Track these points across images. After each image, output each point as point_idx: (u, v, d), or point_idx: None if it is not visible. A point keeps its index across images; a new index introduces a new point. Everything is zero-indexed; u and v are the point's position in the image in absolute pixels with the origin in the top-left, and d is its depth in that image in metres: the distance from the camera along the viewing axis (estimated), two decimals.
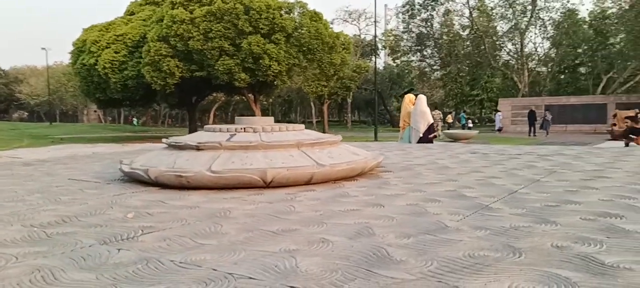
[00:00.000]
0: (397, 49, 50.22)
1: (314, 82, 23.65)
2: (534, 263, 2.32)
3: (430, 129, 10.33)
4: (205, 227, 3.22)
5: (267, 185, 4.68)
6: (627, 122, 13.58)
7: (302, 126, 5.98)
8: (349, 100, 45.60)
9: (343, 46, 23.62)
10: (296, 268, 2.34)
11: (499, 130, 31.97)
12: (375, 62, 28.02)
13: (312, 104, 46.47)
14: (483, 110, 54.87)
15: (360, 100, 55.03)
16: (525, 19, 42.97)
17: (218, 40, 20.41)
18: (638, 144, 10.56)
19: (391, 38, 51.65)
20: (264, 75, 20.85)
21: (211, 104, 49.82)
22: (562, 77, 47.41)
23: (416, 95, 10.90)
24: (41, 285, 2.18)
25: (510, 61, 47.02)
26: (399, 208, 3.69)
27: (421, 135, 9.84)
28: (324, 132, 32.20)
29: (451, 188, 4.53)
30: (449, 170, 5.94)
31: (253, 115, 27.43)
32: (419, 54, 47.07)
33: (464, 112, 46.44)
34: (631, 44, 29.71)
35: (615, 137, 12.21)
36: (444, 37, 46.37)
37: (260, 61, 20.23)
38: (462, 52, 45.34)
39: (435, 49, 46.69)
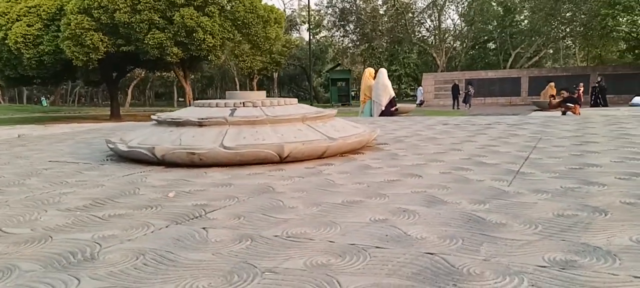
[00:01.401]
0: (319, 25, 50.40)
1: (249, 57, 23.16)
2: (626, 219, 2.49)
3: (392, 102, 10.56)
4: (264, 203, 3.12)
5: (282, 160, 4.59)
6: (562, 94, 14.69)
7: (295, 99, 5.89)
8: (276, 76, 45.20)
9: (275, 20, 23.31)
10: (408, 235, 2.35)
11: (420, 104, 33.15)
12: (310, 37, 27.89)
13: (236, 80, 45.57)
14: (401, 85, 56.73)
15: (284, 77, 54.82)
16: None
17: (147, 13, 19.36)
18: (575, 112, 11.46)
19: (314, 13, 51.64)
20: (198, 50, 20.13)
21: (129, 81, 47.34)
22: (473, 52, 50.01)
23: (377, 70, 11.09)
24: (166, 267, 2.03)
25: (430, 38, 48.93)
26: (438, 177, 3.78)
27: (383, 108, 10.03)
28: None
29: (465, 157, 4.71)
30: (440, 140, 6.14)
31: (184, 92, 26.47)
32: (342, 29, 47.59)
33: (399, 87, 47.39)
34: (542, 21, 31.89)
35: (552, 107, 13.22)
36: (363, 12, 47.10)
37: (194, 35, 19.47)
38: (380, 28, 46.29)
39: (358, 25, 47.31)
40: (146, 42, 19.49)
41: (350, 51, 51.99)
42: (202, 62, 22.66)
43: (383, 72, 10.97)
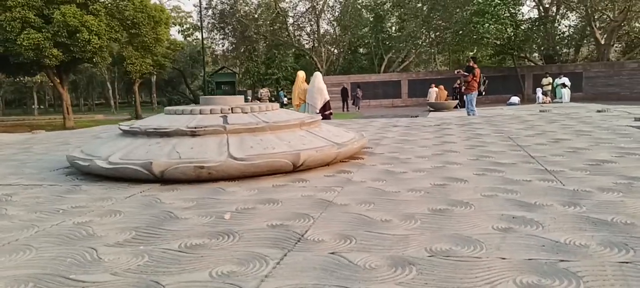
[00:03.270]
0: (185, 25, 48.77)
1: (138, 60, 21.40)
2: None
3: (326, 105, 10.43)
4: (348, 218, 2.82)
5: (296, 168, 4.25)
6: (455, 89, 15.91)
7: (276, 104, 5.52)
8: (153, 80, 42.76)
9: (164, 21, 22.04)
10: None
11: None
12: (202, 38, 26.70)
13: (109, 84, 42.22)
14: (279, 89, 57.07)
15: (159, 80, 52.09)
16: (321, 1, 45.87)
17: (20, 10, 17.10)
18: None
19: (185, 14, 49.86)
20: (82, 52, 18.24)
21: None
22: (350, 57, 51.90)
23: (311, 72, 10.84)
24: None
25: (309, 42, 49.85)
26: (483, 180, 3.75)
27: (317, 111, 9.87)
28: (137, 116, 29.73)
29: (473, 157, 4.75)
30: (414, 141, 6.16)
31: (61, 96, 23.88)
32: (221, 31, 46.51)
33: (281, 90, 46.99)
34: (417, 27, 34.11)
35: (435, 107, 14.13)
36: (245, 15, 46.64)
37: (78, 35, 17.61)
38: (255, 31, 46.09)
39: (240, 27, 46.63)
40: (19, 43, 17.20)
41: (230, 54, 51.10)
42: (85, 64, 20.50)
43: (318, 75, 10.84)
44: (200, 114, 4.78)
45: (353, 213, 2.91)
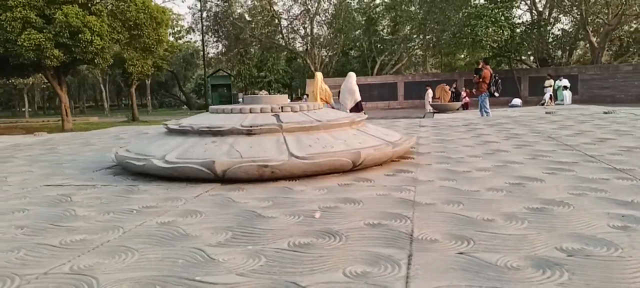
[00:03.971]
0: (177, 28, 48.41)
1: (140, 61, 21.10)
2: None
3: (358, 106, 10.33)
4: (441, 218, 2.74)
5: (355, 167, 4.17)
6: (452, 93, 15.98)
7: (320, 104, 5.44)
8: (148, 82, 42.38)
9: (165, 23, 21.82)
10: None
11: None
12: (203, 42, 26.49)
13: (102, 87, 41.77)
14: (271, 91, 56.84)
15: (152, 83, 51.69)
16: (315, 4, 45.80)
17: (21, 9, 16.81)
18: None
19: (175, 16, 49.40)
20: (83, 53, 17.97)
21: None
22: (344, 59, 51.79)
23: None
24: None
25: (304, 45, 49.71)
26: (560, 180, 3.69)
27: (348, 112, 9.77)
28: (134, 118, 29.40)
29: (529, 155, 4.70)
30: (458, 141, 6.10)
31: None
32: (216, 34, 46.22)
33: (269, 93, 47.11)
34: (417, 28, 34.22)
35: (439, 109, 14.12)
36: (240, 17, 46.46)
37: (80, 36, 17.35)
38: (250, 34, 45.91)
39: (234, 30, 46.40)
40: (19, 43, 16.90)
41: (223, 57, 50.86)
42: (87, 66, 20.20)
43: (351, 76, 10.86)
44: (251, 113, 4.67)
45: (447, 213, 2.84)
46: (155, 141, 4.63)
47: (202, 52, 26.52)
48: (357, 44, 48.05)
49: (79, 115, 44.52)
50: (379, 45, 44.94)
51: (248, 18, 47.44)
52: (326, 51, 49.60)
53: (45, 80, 34.06)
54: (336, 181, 3.86)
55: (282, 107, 4.77)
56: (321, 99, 9.65)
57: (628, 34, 34.69)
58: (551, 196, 3.10)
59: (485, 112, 12.35)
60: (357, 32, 46.82)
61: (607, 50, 36.78)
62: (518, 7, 32.06)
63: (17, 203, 3.50)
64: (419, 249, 2.24)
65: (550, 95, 21.58)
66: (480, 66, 13.10)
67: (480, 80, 12.97)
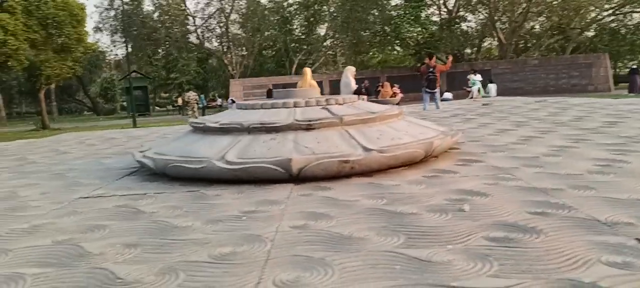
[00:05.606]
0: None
1: (58, 62, 19.02)
2: None
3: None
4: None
5: (424, 158, 4.01)
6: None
7: (354, 96, 5.21)
8: (53, 87, 39.03)
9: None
10: None
11: None
12: (126, 42, 24.74)
13: None
14: (183, 93, 54.80)
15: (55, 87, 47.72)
16: (230, 4, 44.84)
17: None
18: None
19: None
20: None
21: None
22: (257, 60, 50.98)
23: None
24: None
25: (219, 46, 48.44)
26: None
27: None
28: (44, 126, 26.97)
29: (571, 138, 4.79)
30: (478, 130, 6.12)
31: None
32: (125, 33, 43.65)
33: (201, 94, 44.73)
34: (339, 28, 34.57)
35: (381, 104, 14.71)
36: (144, 16, 44.44)
37: None
38: (166, 33, 44.13)
39: (142, 30, 44.19)
40: None
41: (132, 57, 48.22)
42: (1, 68, 18.11)
43: (349, 69, 10.83)
44: (295, 106, 4.35)
45: (592, 197, 2.76)
46: (196, 142, 4.14)
47: (127, 56, 24.77)
48: (272, 43, 47.59)
49: None
50: (294, 45, 44.71)
51: (158, 17, 45.52)
52: (244, 50, 48.69)
53: None
54: (416, 174, 3.67)
55: (327, 100, 4.48)
56: None
57: (527, 31, 37.56)
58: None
59: (436, 105, 12.63)
60: (271, 32, 46.33)
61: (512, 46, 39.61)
62: (430, 6, 33.54)
63: (78, 219, 2.94)
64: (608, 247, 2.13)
65: (479, 88, 22.70)
66: (427, 62, 13.37)
67: (433, 76, 13.17)
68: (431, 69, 12.30)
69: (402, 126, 4.31)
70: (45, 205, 3.38)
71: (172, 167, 3.79)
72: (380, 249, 2.13)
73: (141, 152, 4.44)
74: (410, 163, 3.91)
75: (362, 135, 3.91)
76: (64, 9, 17.44)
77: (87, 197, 3.55)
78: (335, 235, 2.36)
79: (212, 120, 4.42)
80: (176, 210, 3.02)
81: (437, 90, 12.85)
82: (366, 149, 3.71)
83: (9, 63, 16.54)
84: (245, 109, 4.59)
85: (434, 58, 13.32)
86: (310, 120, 3.97)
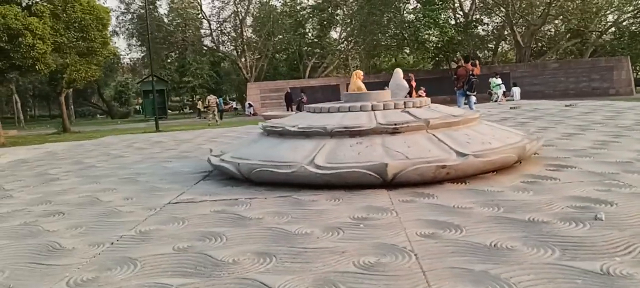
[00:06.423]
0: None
1: (83, 66, 19.04)
2: None
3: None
4: None
5: (515, 163, 3.89)
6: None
7: (428, 99, 5.10)
8: (70, 91, 39.16)
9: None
10: None
11: (254, 114, 32.66)
12: (149, 45, 24.82)
13: (17, 97, 38.11)
14: (195, 96, 54.94)
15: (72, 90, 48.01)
16: (244, 7, 44.91)
17: None
18: None
19: None
20: (23, 58, 16.11)
21: None
22: (271, 63, 50.97)
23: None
24: None
25: (233, 49, 48.50)
26: None
27: None
28: (64, 129, 27.09)
29: None
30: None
31: None
32: (141, 37, 43.88)
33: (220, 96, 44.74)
34: (356, 31, 34.48)
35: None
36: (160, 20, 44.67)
37: (21, 39, 15.55)
38: (183, 37, 44.34)
39: (158, 33, 44.35)
40: None
41: (148, 61, 48.48)
42: (28, 72, 18.17)
43: (398, 71, 10.87)
44: (373, 110, 4.23)
45: None
46: (276, 146, 4.03)
47: (150, 59, 24.82)
48: (285, 46, 47.51)
49: None
50: (307, 48, 44.55)
51: (172, 20, 45.76)
52: (258, 54, 48.71)
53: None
54: (514, 179, 3.54)
55: (405, 103, 4.37)
56: None
57: (544, 34, 37.23)
58: None
59: (470, 108, 12.48)
60: (285, 35, 46.28)
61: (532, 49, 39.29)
62: (446, 10, 33.32)
63: (185, 226, 2.84)
64: None
65: (504, 91, 22.45)
66: (464, 65, 13.25)
67: (475, 79, 13.09)
68: (471, 72, 12.23)
69: (486, 130, 4.18)
70: (137, 210, 3.29)
71: (259, 171, 3.69)
72: (542, 262, 2.00)
73: (216, 156, 4.34)
74: (502, 168, 3.78)
75: (451, 139, 3.79)
76: (90, 13, 17.46)
77: (176, 202, 3.45)
78: (477, 245, 2.24)
79: (289, 124, 4.32)
80: (282, 216, 2.91)
81: (474, 93, 12.74)
82: (460, 154, 3.58)
83: (36, 67, 16.57)
84: (320, 112, 4.49)
85: (474, 62, 13.23)
86: (395, 124, 3.85)
